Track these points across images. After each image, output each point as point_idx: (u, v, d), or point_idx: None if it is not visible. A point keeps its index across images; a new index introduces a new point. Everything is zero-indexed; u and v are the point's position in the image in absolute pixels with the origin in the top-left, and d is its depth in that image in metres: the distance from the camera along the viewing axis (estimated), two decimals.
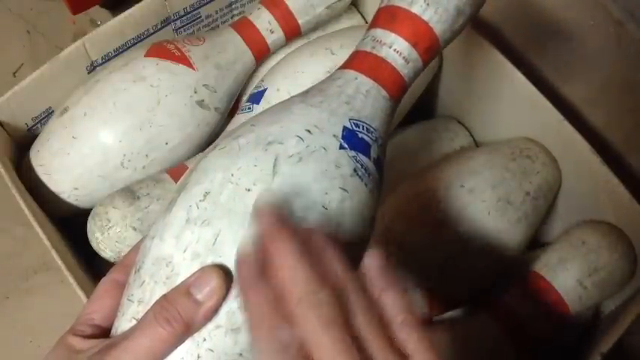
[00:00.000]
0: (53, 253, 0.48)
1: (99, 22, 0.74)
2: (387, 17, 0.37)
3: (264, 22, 0.57)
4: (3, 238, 0.66)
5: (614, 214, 0.52)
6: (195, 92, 0.54)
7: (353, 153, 0.34)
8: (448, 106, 0.64)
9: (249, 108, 0.55)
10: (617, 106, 0.57)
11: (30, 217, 0.49)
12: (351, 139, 0.34)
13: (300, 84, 0.54)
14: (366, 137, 0.35)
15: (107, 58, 0.57)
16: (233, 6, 0.64)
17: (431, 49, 0.37)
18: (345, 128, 0.34)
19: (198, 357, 0.31)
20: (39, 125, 0.58)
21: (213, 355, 0.31)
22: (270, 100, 0.55)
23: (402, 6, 0.37)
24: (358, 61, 0.37)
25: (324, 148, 0.33)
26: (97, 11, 0.74)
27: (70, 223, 0.55)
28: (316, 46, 0.57)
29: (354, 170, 0.33)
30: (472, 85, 0.59)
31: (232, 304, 0.31)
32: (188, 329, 0.30)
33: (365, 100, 0.36)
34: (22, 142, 0.57)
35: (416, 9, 0.36)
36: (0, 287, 0.64)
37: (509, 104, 0.57)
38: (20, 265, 0.65)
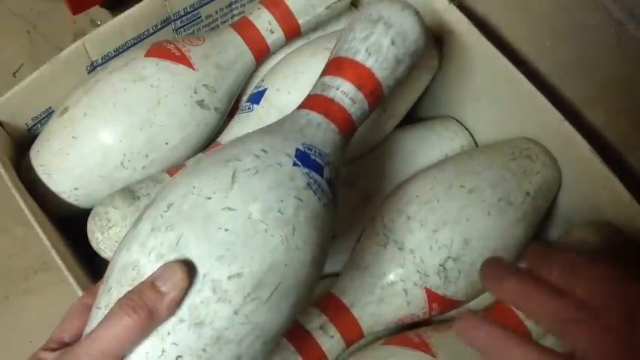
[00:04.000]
0: (53, 253, 0.48)
1: (99, 22, 0.74)
2: (335, 66, 0.43)
3: (264, 22, 0.57)
4: (3, 238, 0.66)
5: (614, 214, 0.52)
6: (195, 92, 0.54)
7: (306, 170, 0.37)
8: (448, 106, 0.64)
9: (249, 108, 0.55)
10: (617, 106, 0.57)
11: (30, 217, 0.49)
12: (304, 158, 0.37)
13: (300, 84, 0.54)
14: (318, 159, 0.38)
15: (107, 58, 0.57)
16: (233, 6, 0.64)
17: (375, 92, 0.43)
18: (297, 150, 0.37)
19: (163, 351, 0.32)
20: (39, 125, 0.58)
21: (177, 349, 0.32)
22: (270, 100, 0.55)
23: (347, 56, 0.43)
24: (310, 102, 0.42)
25: (279, 164, 0.36)
26: (97, 11, 0.74)
27: (70, 223, 0.55)
28: (316, 46, 0.57)
29: (308, 184, 0.36)
30: (472, 85, 0.59)
31: (195, 299, 0.32)
32: (152, 317, 0.32)
33: (316, 131, 0.40)
34: (22, 142, 0.57)
35: (359, 57, 0.42)
36: (0, 287, 0.64)
37: (509, 104, 0.57)
38: (20, 265, 0.65)
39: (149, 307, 0.32)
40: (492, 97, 0.59)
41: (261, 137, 0.38)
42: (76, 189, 0.53)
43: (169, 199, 0.35)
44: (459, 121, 0.63)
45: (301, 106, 0.42)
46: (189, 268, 0.32)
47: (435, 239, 0.49)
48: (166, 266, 0.32)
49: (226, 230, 0.33)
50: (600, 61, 0.56)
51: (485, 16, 0.62)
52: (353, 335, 0.50)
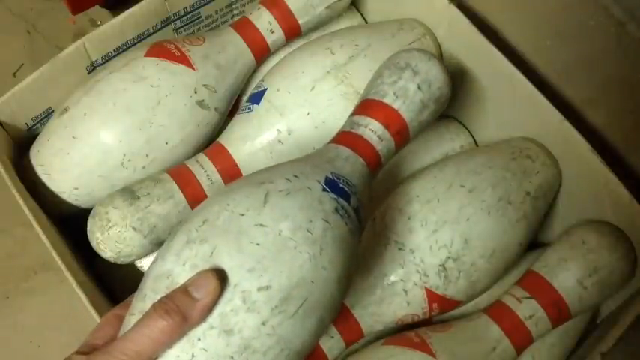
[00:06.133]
0: (53, 253, 0.48)
1: (99, 22, 0.74)
2: (364, 107, 0.46)
3: (264, 22, 0.57)
4: (3, 238, 0.66)
5: (614, 214, 0.52)
6: (195, 92, 0.54)
7: (334, 196, 0.38)
8: (448, 106, 0.63)
9: (249, 108, 0.55)
10: (617, 106, 0.57)
11: (30, 217, 0.49)
12: (332, 185, 0.39)
13: (300, 84, 0.54)
14: (346, 188, 0.40)
15: (107, 58, 0.57)
16: (233, 6, 0.64)
17: (401, 132, 0.45)
18: (326, 177, 0.39)
19: (193, 356, 0.33)
20: (39, 125, 0.58)
21: (206, 355, 0.33)
22: (270, 99, 0.55)
23: (376, 98, 0.46)
24: (339, 138, 0.45)
25: (309, 188, 0.38)
26: (97, 11, 0.74)
27: (70, 223, 0.55)
28: (316, 46, 0.57)
29: (336, 209, 0.38)
30: (472, 85, 0.59)
31: (225, 307, 0.34)
32: (185, 321, 0.33)
33: (344, 163, 0.42)
34: (22, 142, 0.57)
35: (387, 100, 0.45)
36: (0, 287, 0.64)
37: (509, 104, 0.57)
38: (20, 265, 0.65)
39: (182, 312, 0.33)
40: (492, 97, 0.59)
41: (292, 165, 0.40)
42: (76, 189, 0.53)
43: (204, 216, 0.37)
44: (459, 122, 0.63)
45: (331, 142, 0.44)
46: (221, 277, 0.34)
47: (435, 239, 0.49)
48: (200, 274, 0.34)
49: (258, 244, 0.35)
50: (601, 61, 0.56)
51: (485, 16, 0.62)
52: (353, 335, 0.50)
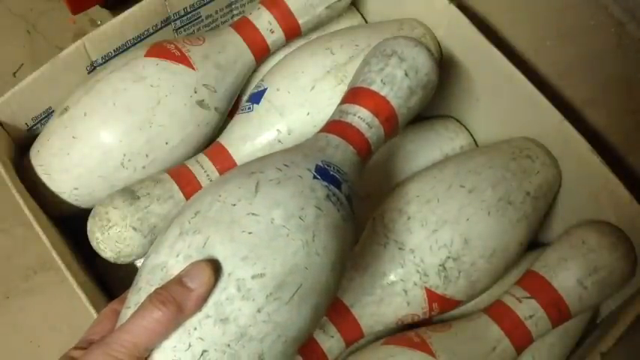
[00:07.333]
0: (53, 253, 0.48)
1: (99, 22, 0.74)
2: (352, 96, 0.46)
3: (264, 22, 0.57)
4: (3, 238, 0.66)
5: (614, 214, 0.52)
6: (195, 92, 0.54)
7: (325, 183, 0.38)
8: (448, 106, 0.64)
9: (249, 108, 0.55)
10: (617, 106, 0.57)
11: (30, 217, 0.49)
12: (323, 173, 0.39)
13: (299, 84, 0.54)
14: (337, 175, 0.40)
15: (107, 58, 0.57)
16: (233, 6, 0.64)
17: (390, 119, 0.45)
18: (317, 165, 0.39)
19: (190, 345, 0.33)
20: (39, 125, 0.58)
21: (203, 344, 0.33)
22: (270, 99, 0.55)
23: (364, 86, 0.46)
24: (329, 126, 0.45)
25: (300, 176, 0.38)
26: (97, 11, 0.74)
27: (70, 223, 0.55)
28: (316, 46, 0.57)
29: (327, 196, 0.38)
30: (472, 85, 0.59)
31: (220, 296, 0.34)
32: (181, 311, 0.33)
33: (335, 151, 0.42)
34: (22, 142, 0.57)
35: (375, 87, 0.46)
36: (0, 287, 0.64)
37: (509, 104, 0.57)
38: (20, 265, 0.65)
39: (178, 302, 0.33)
40: (492, 97, 0.59)
41: (282, 154, 0.40)
42: (76, 189, 0.53)
43: (196, 207, 0.37)
44: (459, 121, 0.63)
45: (321, 131, 0.45)
46: (215, 267, 0.34)
47: (435, 239, 0.49)
48: (194, 265, 0.34)
49: (250, 233, 0.35)
50: (601, 61, 0.57)
51: (485, 16, 0.62)
52: (353, 335, 0.50)
